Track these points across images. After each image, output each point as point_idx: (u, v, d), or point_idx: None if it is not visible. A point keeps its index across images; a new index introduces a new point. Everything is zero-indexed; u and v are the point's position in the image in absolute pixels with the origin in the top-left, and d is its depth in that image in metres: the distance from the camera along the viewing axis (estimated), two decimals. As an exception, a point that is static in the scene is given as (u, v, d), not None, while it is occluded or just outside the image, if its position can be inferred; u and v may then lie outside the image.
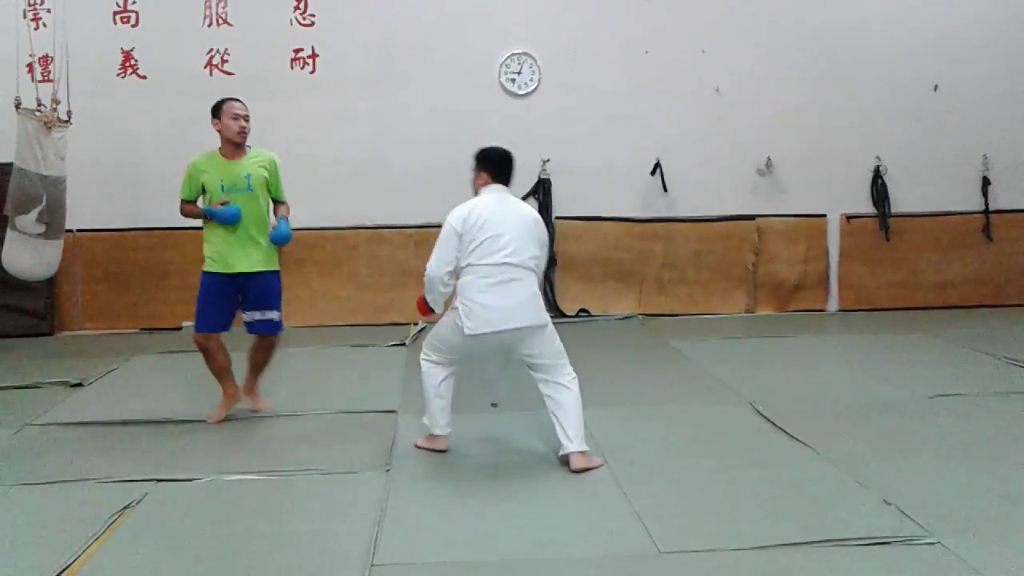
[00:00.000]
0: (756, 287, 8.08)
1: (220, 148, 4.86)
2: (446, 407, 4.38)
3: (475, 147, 7.56)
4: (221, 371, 4.94)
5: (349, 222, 7.83)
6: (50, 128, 6.32)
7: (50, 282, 7.17)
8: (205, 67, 7.63)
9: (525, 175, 7.84)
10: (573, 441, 4.15)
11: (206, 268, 4.83)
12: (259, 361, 5.03)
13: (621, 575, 3.15)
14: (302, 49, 7.71)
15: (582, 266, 7.97)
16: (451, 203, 7.63)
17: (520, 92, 7.84)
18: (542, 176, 7.85)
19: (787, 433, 4.57)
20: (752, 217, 8.07)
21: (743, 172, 8.08)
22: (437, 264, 4.19)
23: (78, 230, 7.33)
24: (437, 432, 4.39)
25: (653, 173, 7.94)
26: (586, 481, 4.02)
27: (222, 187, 4.74)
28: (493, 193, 4.28)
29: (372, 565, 3.20)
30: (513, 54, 7.81)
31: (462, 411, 5.09)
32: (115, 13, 7.54)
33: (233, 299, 4.85)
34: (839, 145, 8.09)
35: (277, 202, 5.00)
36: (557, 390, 4.21)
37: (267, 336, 4.94)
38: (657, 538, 3.39)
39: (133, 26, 7.58)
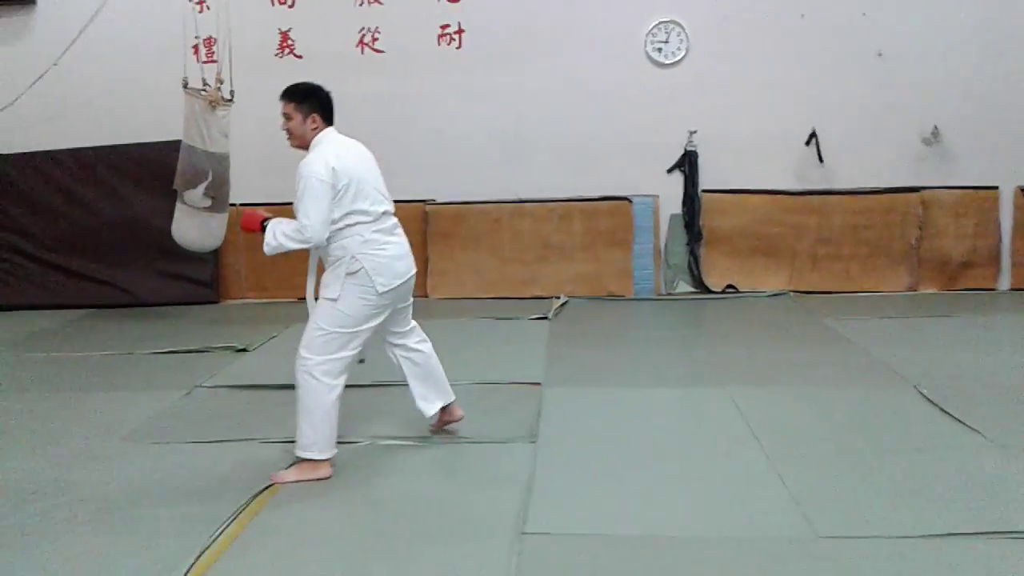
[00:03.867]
0: (919, 264, 7.61)
1: None
2: (335, 426, 3.83)
3: (621, 120, 7.66)
4: None
5: (492, 196, 7.88)
6: (215, 107, 6.68)
7: (215, 253, 7.59)
8: (357, 46, 7.82)
9: (672, 146, 7.72)
10: (449, 393, 4.13)
11: None
12: None
13: (778, 557, 3.05)
14: (449, 25, 7.78)
15: (729, 241, 7.73)
16: (595, 178, 7.73)
17: (667, 62, 7.65)
18: (688, 148, 7.65)
19: (954, 417, 4.31)
20: (916, 189, 7.58)
21: (906, 141, 7.59)
22: (322, 227, 3.68)
23: (241, 204, 7.69)
24: (328, 455, 3.82)
25: (808, 143, 7.59)
26: (738, 460, 3.91)
27: None
28: (336, 137, 3.87)
29: (522, 533, 3.23)
30: (660, 23, 7.61)
31: (606, 385, 5.08)
32: (274, -6, 7.84)
33: None
34: (1013, 112, 7.46)
35: None
36: (411, 343, 4.07)
37: None
38: (814, 521, 3.28)
39: (290, 7, 7.85)
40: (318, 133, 3.86)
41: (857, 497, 3.49)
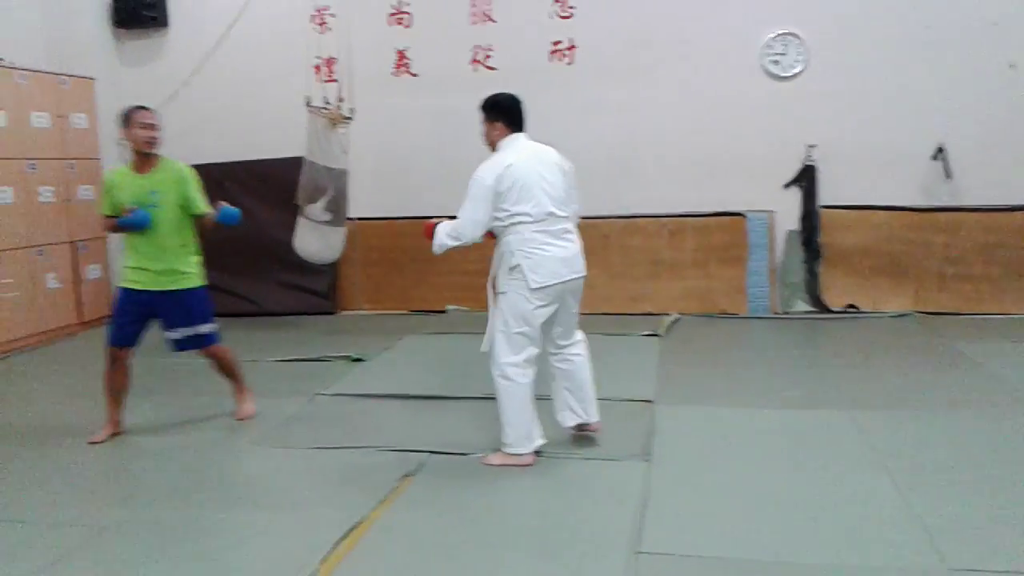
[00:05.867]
0: (1056, 285, 7.19)
1: (132, 161, 4.59)
2: (535, 419, 4.09)
3: (735, 135, 7.53)
4: (115, 391, 4.70)
5: (602, 211, 7.85)
6: (335, 124, 6.93)
7: (333, 265, 7.83)
8: (470, 63, 7.96)
9: (789, 161, 7.54)
10: (589, 413, 4.23)
11: (121, 283, 4.63)
12: (225, 370, 4.90)
13: (908, 589, 2.93)
14: (561, 41, 7.83)
15: (850, 258, 7.48)
16: (708, 193, 7.64)
17: (784, 75, 7.48)
18: (807, 162, 7.45)
19: (1102, 449, 4.04)
20: (1053, 206, 7.18)
21: (1042, 156, 7.20)
22: (472, 227, 3.99)
23: (358, 218, 7.93)
24: (528, 449, 4.07)
25: (935, 158, 7.27)
26: (862, 486, 3.77)
27: (132, 204, 4.49)
28: (518, 143, 4.11)
29: (638, 552, 3.20)
30: (777, 35, 7.46)
31: (720, 405, 4.99)
32: (390, 15, 8.04)
33: (148, 316, 4.59)
34: None
35: (198, 217, 4.63)
36: (570, 352, 4.21)
37: (208, 348, 4.74)
38: (945, 553, 3.13)
39: (406, 27, 8.05)
40: (503, 138, 4.11)
41: (990, 528, 3.32)
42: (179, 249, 4.57)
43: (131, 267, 4.57)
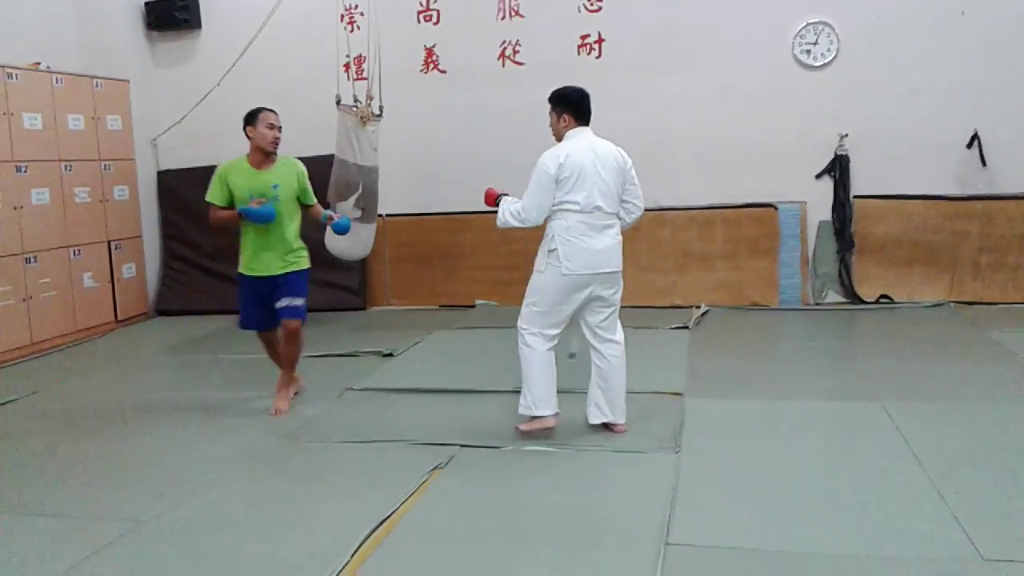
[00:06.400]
0: (1095, 273, 7.04)
1: (249, 156, 4.88)
2: (552, 385, 4.31)
3: (765, 125, 7.46)
4: (276, 357, 5.16)
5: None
6: (365, 122, 6.96)
7: (362, 262, 7.89)
8: (498, 59, 7.97)
9: (820, 151, 7.46)
10: (615, 414, 4.34)
11: (240, 270, 5.00)
12: (290, 351, 5.05)
13: (942, 580, 2.89)
14: (589, 35, 7.81)
15: (884, 248, 7.38)
16: (738, 185, 7.58)
17: (816, 64, 7.40)
18: (839, 152, 7.37)
19: None
20: (1091, 193, 7.04)
21: (1080, 143, 7.05)
22: (537, 212, 4.20)
23: (387, 214, 7.98)
24: (547, 412, 4.31)
25: (970, 146, 7.16)
26: (895, 477, 3.73)
27: (250, 197, 4.76)
28: (581, 136, 4.26)
29: (667, 544, 3.19)
30: (809, 23, 7.38)
31: (750, 397, 4.95)
32: (419, 12, 8.08)
33: (270, 299, 4.93)
34: None
35: (308, 207, 5.02)
36: (607, 351, 4.32)
37: (290, 321, 4.91)
38: (979, 544, 3.09)
39: (435, 24, 8.08)
40: (569, 129, 4.27)
41: (1026, 519, 3.27)
42: (294, 237, 4.92)
43: (250, 255, 4.90)
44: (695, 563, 3.08)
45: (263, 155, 4.85)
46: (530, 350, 4.26)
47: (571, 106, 4.28)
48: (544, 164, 4.17)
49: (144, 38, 8.48)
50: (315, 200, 5.06)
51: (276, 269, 4.88)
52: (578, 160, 4.14)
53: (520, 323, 4.31)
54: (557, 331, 4.30)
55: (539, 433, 4.33)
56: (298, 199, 4.95)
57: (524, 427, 4.37)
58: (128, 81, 8.07)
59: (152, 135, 8.47)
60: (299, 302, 4.93)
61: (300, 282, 4.96)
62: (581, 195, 4.13)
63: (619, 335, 4.40)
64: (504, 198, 4.35)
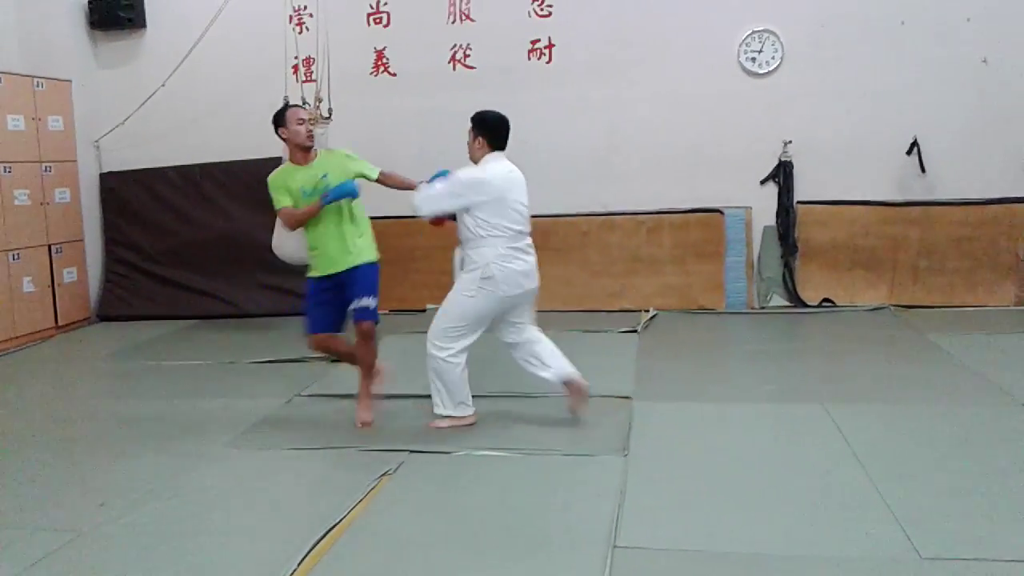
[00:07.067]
0: (1028, 277, 7.28)
1: (290, 157, 4.77)
2: (467, 384, 4.57)
3: (712, 131, 7.57)
4: (352, 361, 4.90)
5: (581, 209, 7.89)
6: (314, 125, 6.89)
7: (311, 266, 7.79)
8: (449, 62, 7.96)
9: (765, 157, 7.59)
10: (568, 367, 4.55)
11: (309, 274, 4.81)
12: (364, 355, 4.81)
13: (881, 579, 2.96)
14: (539, 40, 7.85)
15: (826, 253, 7.55)
16: (686, 190, 7.66)
17: (761, 71, 7.54)
18: (783, 159, 7.51)
19: (1070, 439, 4.11)
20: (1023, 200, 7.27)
21: (1014, 151, 7.28)
22: (433, 212, 4.45)
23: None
24: (467, 412, 4.58)
25: (909, 153, 7.35)
26: (837, 478, 3.81)
27: (303, 192, 4.64)
28: (499, 162, 4.45)
29: (614, 547, 3.22)
30: (754, 32, 7.51)
31: (697, 400, 5.03)
32: (369, 15, 8.03)
33: (339, 299, 4.74)
34: None
35: (379, 178, 4.78)
36: (531, 334, 4.59)
37: (361, 323, 4.71)
38: (918, 543, 3.17)
39: (385, 26, 8.04)
40: (484, 153, 4.46)
41: (963, 518, 3.37)
42: (353, 228, 4.72)
43: (316, 256, 4.77)
44: (643, 566, 3.11)
45: (302, 151, 4.71)
46: (450, 365, 4.48)
47: (489, 131, 4.45)
48: (462, 172, 4.41)
49: (87, 37, 8.31)
50: (378, 169, 4.76)
51: (343, 265, 4.67)
52: (497, 183, 4.36)
53: (437, 343, 4.46)
54: (474, 340, 4.52)
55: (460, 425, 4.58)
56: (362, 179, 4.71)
57: (443, 424, 4.57)
58: (70, 81, 7.89)
59: (95, 136, 8.29)
60: (369, 302, 4.72)
61: (367, 277, 4.73)
62: (507, 220, 4.35)
63: (530, 329, 4.64)
64: (421, 184, 4.54)
